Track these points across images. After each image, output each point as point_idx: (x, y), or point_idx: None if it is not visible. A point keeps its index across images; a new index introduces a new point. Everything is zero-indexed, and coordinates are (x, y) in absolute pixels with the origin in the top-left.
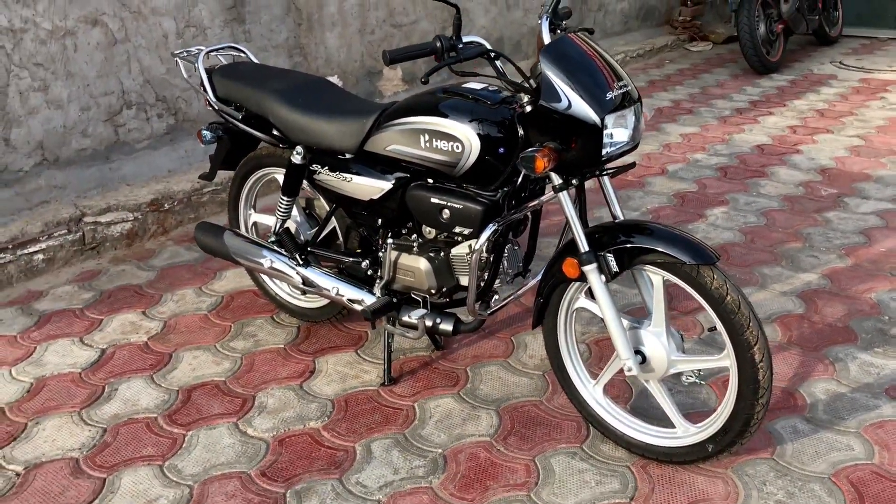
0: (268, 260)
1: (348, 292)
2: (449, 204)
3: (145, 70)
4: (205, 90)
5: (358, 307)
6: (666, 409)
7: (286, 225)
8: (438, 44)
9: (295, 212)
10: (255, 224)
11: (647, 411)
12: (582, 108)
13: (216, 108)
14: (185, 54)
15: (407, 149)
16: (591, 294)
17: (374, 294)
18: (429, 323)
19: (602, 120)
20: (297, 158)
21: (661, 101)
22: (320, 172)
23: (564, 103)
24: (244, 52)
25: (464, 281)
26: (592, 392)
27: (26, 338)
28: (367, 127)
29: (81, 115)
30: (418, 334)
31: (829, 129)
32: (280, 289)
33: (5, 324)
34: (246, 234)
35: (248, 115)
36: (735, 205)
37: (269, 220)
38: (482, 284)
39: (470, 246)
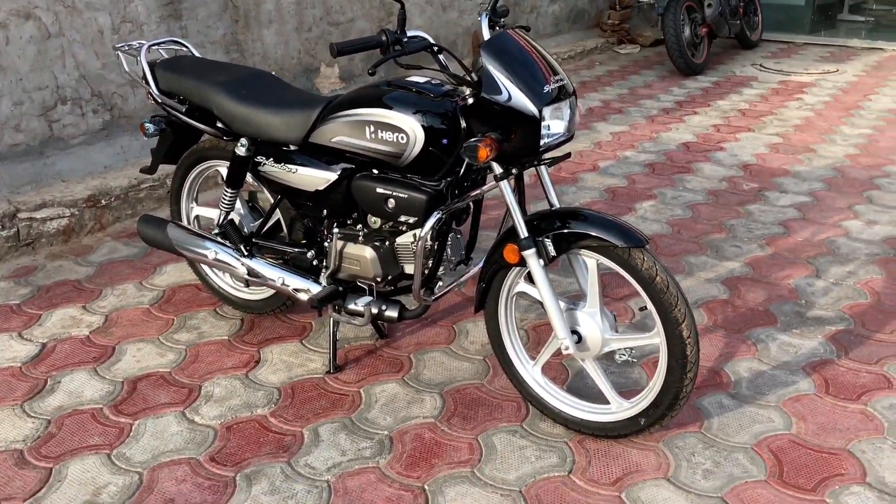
0: (212, 251)
1: (294, 282)
2: (394, 194)
3: (80, 65)
4: (147, 83)
5: (304, 296)
6: (601, 387)
7: (230, 217)
8: (384, 37)
9: (238, 204)
10: (197, 217)
11: (583, 391)
12: (521, 100)
13: (159, 101)
14: (127, 48)
15: (352, 140)
16: (529, 279)
17: (319, 283)
18: (374, 310)
19: (540, 111)
20: (241, 150)
21: (591, 101)
22: (265, 164)
23: (505, 96)
24: (186, 47)
25: (409, 269)
26: (532, 372)
27: None
28: (312, 119)
29: (14, 109)
30: (364, 321)
31: (751, 128)
32: (223, 281)
33: None
34: (188, 227)
35: (192, 108)
36: (663, 199)
37: (212, 214)
38: (426, 272)
39: (415, 235)
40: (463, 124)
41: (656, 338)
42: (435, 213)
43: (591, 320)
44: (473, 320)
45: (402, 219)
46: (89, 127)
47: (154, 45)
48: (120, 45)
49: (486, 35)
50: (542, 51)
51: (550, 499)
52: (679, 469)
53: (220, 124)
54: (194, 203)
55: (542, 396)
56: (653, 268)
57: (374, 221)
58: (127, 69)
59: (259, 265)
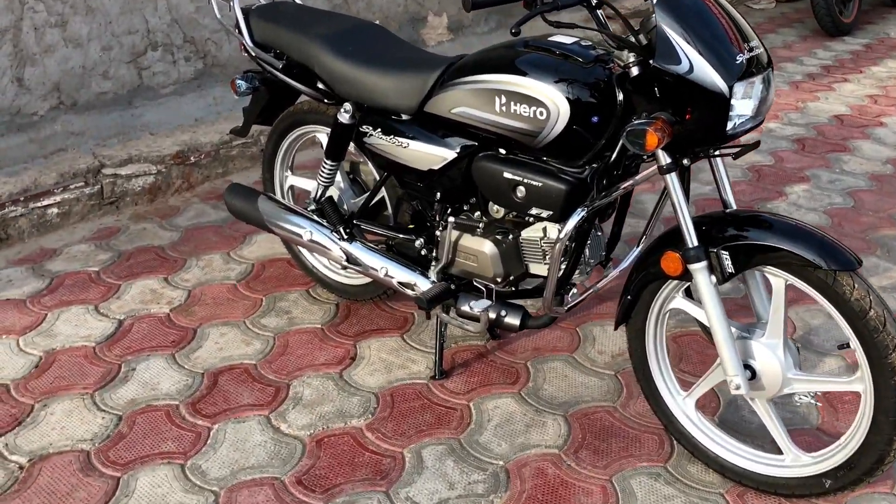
0: (307, 231)
1: (399, 274)
2: (525, 180)
3: (172, 8)
4: (240, 33)
5: (410, 292)
6: (773, 433)
7: (328, 192)
8: None
9: (338, 177)
10: (291, 188)
11: (738, 424)
12: (706, 72)
13: (253, 54)
14: None
15: (477, 112)
16: (688, 293)
17: (428, 278)
18: (493, 315)
19: (731, 88)
20: (344, 117)
21: None
22: (371, 135)
23: (685, 66)
24: None
25: (534, 268)
26: (682, 405)
27: (37, 303)
28: (429, 84)
29: (102, 55)
30: (479, 327)
31: None
32: (318, 261)
33: (14, 285)
34: (282, 201)
35: (290, 64)
36: (817, 182)
37: (308, 184)
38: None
39: (544, 229)
40: (619, 99)
41: (859, 384)
42: (578, 209)
43: (769, 354)
44: (601, 324)
45: (534, 211)
46: (181, 76)
47: None
48: None
49: None
50: (730, 9)
51: None
52: None
53: (321, 85)
54: (289, 171)
55: (694, 435)
56: (865, 298)
57: (497, 211)
58: (218, 15)
59: (359, 251)
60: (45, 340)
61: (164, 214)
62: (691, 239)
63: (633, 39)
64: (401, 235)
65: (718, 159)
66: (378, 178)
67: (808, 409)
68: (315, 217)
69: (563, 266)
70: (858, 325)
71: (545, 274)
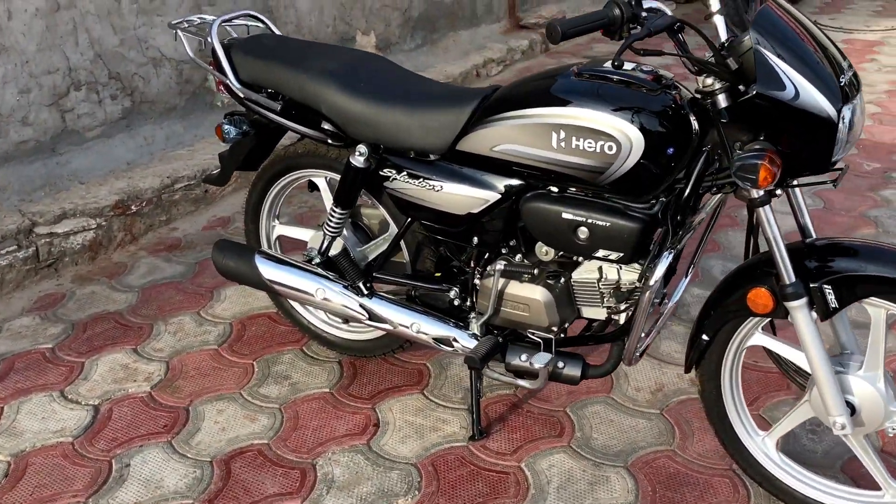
0: (320, 290)
1: (434, 330)
2: (589, 220)
3: (95, 42)
4: (222, 72)
5: (447, 348)
6: (870, 468)
7: (341, 244)
8: (617, 11)
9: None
10: (278, 239)
11: (802, 456)
12: (813, 97)
13: (241, 95)
14: (187, 24)
15: (528, 149)
16: (770, 328)
17: (467, 331)
18: (551, 368)
19: (839, 113)
20: (358, 161)
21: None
22: (394, 179)
23: (790, 91)
24: (263, 22)
25: (588, 312)
26: (762, 446)
27: None
28: (461, 121)
29: (20, 98)
30: (539, 383)
31: None
32: (314, 316)
33: None
34: (282, 256)
35: (288, 105)
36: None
37: (300, 233)
38: (621, 319)
39: (600, 269)
40: (695, 128)
41: None
42: (665, 252)
43: (870, 388)
44: None
45: (601, 254)
46: (108, 116)
47: (227, 20)
48: (178, 22)
49: (716, 6)
50: (816, 30)
51: None
52: None
53: (327, 126)
54: (276, 221)
55: (779, 477)
56: None
57: (546, 253)
58: (191, 53)
59: (384, 307)
60: (10, 441)
61: (111, 274)
62: (788, 275)
63: (722, 65)
64: (429, 286)
65: (797, 189)
66: (397, 224)
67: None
68: (321, 271)
69: (621, 307)
70: None
71: (599, 317)
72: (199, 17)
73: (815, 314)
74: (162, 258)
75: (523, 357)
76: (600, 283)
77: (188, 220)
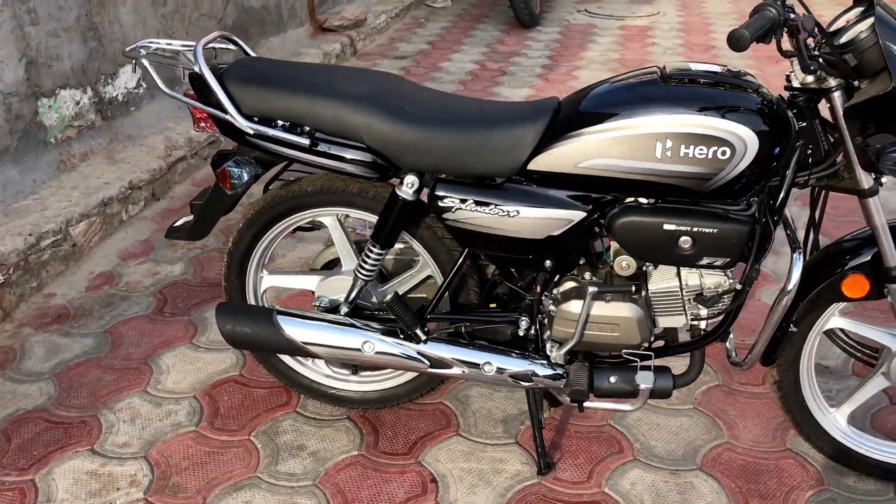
0: (370, 344)
1: (512, 366)
2: (694, 229)
3: None
4: (218, 106)
5: (526, 384)
6: None
7: (397, 291)
8: (773, 10)
9: (348, 263)
10: (266, 291)
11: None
12: None
13: (250, 132)
14: (151, 50)
15: (626, 162)
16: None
17: (547, 362)
18: (649, 385)
19: None
20: (407, 193)
21: (464, 65)
22: (458, 209)
23: None
24: (238, 44)
25: (667, 322)
26: (835, 422)
27: None
28: (533, 138)
29: None
30: (639, 403)
31: None
32: (315, 371)
33: None
34: (305, 312)
35: (316, 139)
36: None
37: (293, 282)
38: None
39: (679, 276)
40: (795, 124)
41: None
42: (795, 257)
43: None
44: None
45: (706, 261)
46: None
47: (208, 43)
48: (132, 49)
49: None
50: None
51: None
52: None
53: (370, 158)
54: (264, 271)
55: (851, 447)
56: None
57: (626, 267)
58: (166, 88)
59: (449, 351)
60: None
61: (1, 363)
62: (892, 258)
63: (840, 61)
64: (495, 318)
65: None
66: (439, 257)
67: None
68: (360, 323)
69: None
70: None
71: (679, 325)
72: (166, 43)
73: None
74: (57, 333)
75: (612, 379)
76: (684, 292)
77: (63, 282)
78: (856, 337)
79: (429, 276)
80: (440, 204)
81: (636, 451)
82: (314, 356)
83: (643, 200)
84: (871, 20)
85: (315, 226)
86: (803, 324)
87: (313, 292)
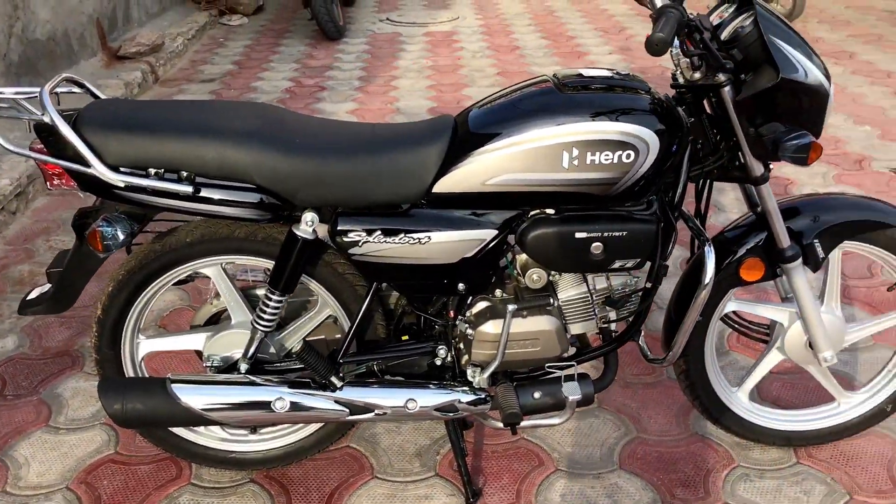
0: (282, 401)
1: (434, 399)
2: (605, 234)
3: None
4: (77, 159)
5: (451, 414)
6: (828, 386)
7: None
8: (676, 10)
9: (239, 315)
10: (143, 359)
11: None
12: (815, 75)
13: (121, 185)
14: None
15: (534, 175)
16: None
17: (470, 388)
18: (577, 396)
19: (831, 86)
20: (306, 231)
21: (279, 82)
22: (365, 242)
23: (802, 73)
24: (83, 85)
25: (578, 328)
26: (738, 400)
27: None
28: (437, 160)
29: None
30: (566, 414)
31: (469, 84)
32: (207, 434)
33: None
34: (203, 376)
35: (198, 185)
36: None
37: (177, 343)
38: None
39: (586, 282)
40: (685, 121)
41: None
42: (707, 247)
43: (833, 319)
44: None
45: (617, 264)
46: None
47: (55, 87)
48: None
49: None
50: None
51: None
52: None
53: (262, 198)
54: (141, 336)
55: (754, 422)
56: None
57: (536, 279)
58: (9, 146)
59: (367, 395)
60: None
61: None
62: (785, 239)
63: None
64: (412, 351)
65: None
66: (341, 295)
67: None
68: (266, 379)
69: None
70: None
71: (590, 331)
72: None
73: (809, 268)
74: None
75: (538, 395)
76: (593, 296)
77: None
78: (748, 317)
79: (328, 317)
80: (344, 239)
81: (556, 461)
82: (218, 423)
83: (550, 211)
84: (751, 15)
85: (192, 278)
86: (705, 311)
87: (199, 352)
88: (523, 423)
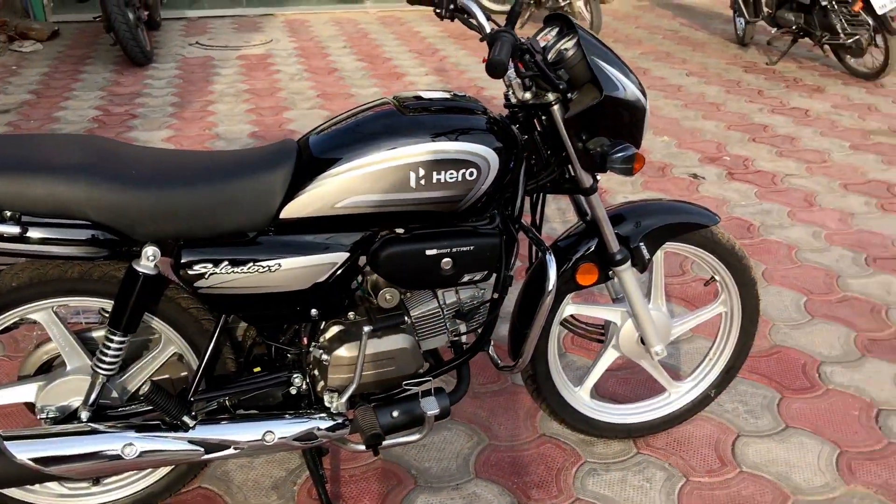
0: (132, 447)
1: (293, 429)
2: (453, 250)
3: None
4: None
5: (311, 442)
6: (658, 378)
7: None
8: (510, 36)
9: (75, 360)
10: None
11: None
12: (634, 92)
13: None
14: None
15: (383, 196)
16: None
17: (328, 414)
18: (435, 410)
19: (646, 101)
20: (147, 267)
21: (85, 111)
22: (212, 274)
23: (622, 91)
24: None
25: (431, 343)
26: (581, 399)
27: None
28: (284, 185)
29: None
30: (426, 429)
31: (289, 105)
32: (41, 492)
33: None
34: (37, 429)
35: (24, 224)
36: None
37: (6, 397)
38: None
39: (436, 297)
40: (520, 138)
41: (722, 307)
42: (548, 255)
43: (661, 315)
44: None
45: (466, 278)
46: None
47: None
48: None
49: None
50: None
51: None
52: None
53: (98, 234)
54: None
55: (597, 418)
56: (730, 238)
57: (389, 299)
58: None
59: (222, 432)
60: None
61: None
62: (615, 244)
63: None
64: (264, 383)
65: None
66: (186, 330)
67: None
68: (105, 426)
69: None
70: (732, 261)
71: (441, 345)
72: None
73: (636, 269)
74: None
75: (396, 414)
76: (444, 311)
77: None
78: (584, 320)
79: (172, 354)
80: (189, 272)
81: (415, 478)
82: (61, 479)
83: (400, 231)
84: (574, 38)
85: (17, 325)
86: (547, 317)
87: (29, 405)
88: (384, 443)
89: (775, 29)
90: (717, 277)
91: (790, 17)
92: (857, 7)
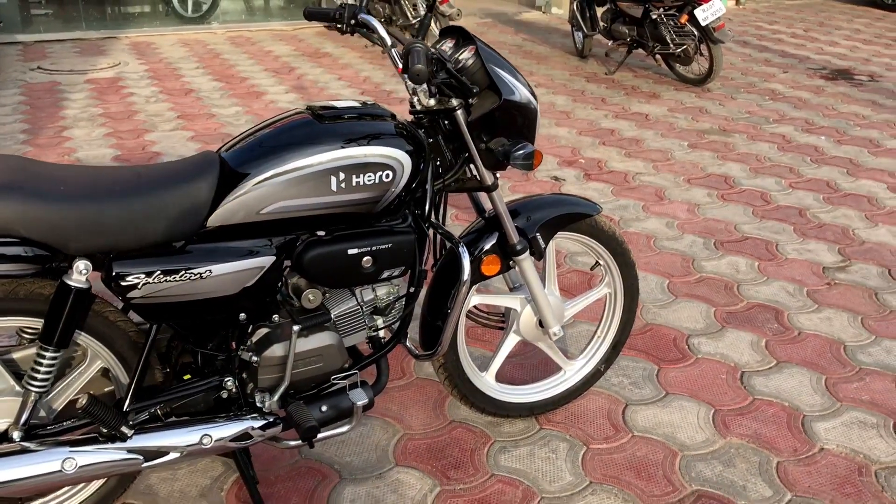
0: (72, 461)
1: (228, 431)
2: (373, 248)
3: None
4: None
5: (248, 442)
6: (554, 357)
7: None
8: (422, 47)
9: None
10: None
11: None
12: (527, 96)
13: None
14: None
15: (305, 200)
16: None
17: (261, 414)
18: (364, 401)
19: (537, 101)
20: (79, 280)
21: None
22: (145, 284)
23: (518, 95)
24: None
25: (354, 339)
26: (488, 383)
27: None
28: (209, 195)
29: None
30: (355, 420)
31: (151, 127)
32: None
33: None
34: None
35: None
36: None
37: None
38: (401, 325)
39: (355, 296)
40: (426, 141)
41: (606, 288)
42: (462, 248)
43: (555, 298)
44: None
45: (386, 275)
46: None
47: None
48: None
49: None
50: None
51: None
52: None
53: (28, 251)
54: None
55: (503, 400)
56: (610, 225)
57: (313, 299)
58: None
59: (159, 439)
60: None
61: None
62: (515, 236)
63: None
64: (196, 389)
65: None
66: (114, 343)
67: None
68: (34, 445)
69: (396, 314)
70: (614, 246)
71: (361, 340)
72: None
73: (534, 257)
74: None
75: (325, 408)
76: (363, 308)
77: None
78: (485, 309)
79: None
80: (122, 284)
81: (339, 472)
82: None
83: (321, 233)
84: (473, 48)
85: None
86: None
87: None
88: (319, 436)
89: (611, 41)
90: (601, 262)
91: (624, 30)
92: (684, 20)
